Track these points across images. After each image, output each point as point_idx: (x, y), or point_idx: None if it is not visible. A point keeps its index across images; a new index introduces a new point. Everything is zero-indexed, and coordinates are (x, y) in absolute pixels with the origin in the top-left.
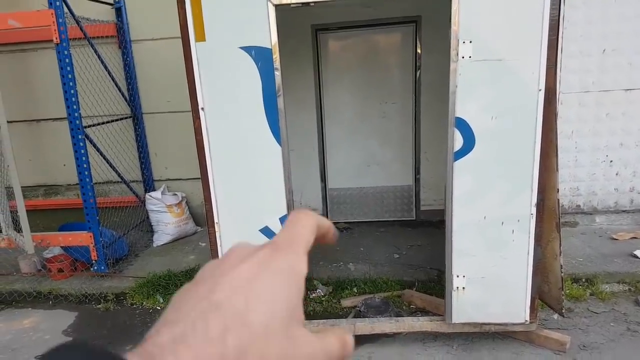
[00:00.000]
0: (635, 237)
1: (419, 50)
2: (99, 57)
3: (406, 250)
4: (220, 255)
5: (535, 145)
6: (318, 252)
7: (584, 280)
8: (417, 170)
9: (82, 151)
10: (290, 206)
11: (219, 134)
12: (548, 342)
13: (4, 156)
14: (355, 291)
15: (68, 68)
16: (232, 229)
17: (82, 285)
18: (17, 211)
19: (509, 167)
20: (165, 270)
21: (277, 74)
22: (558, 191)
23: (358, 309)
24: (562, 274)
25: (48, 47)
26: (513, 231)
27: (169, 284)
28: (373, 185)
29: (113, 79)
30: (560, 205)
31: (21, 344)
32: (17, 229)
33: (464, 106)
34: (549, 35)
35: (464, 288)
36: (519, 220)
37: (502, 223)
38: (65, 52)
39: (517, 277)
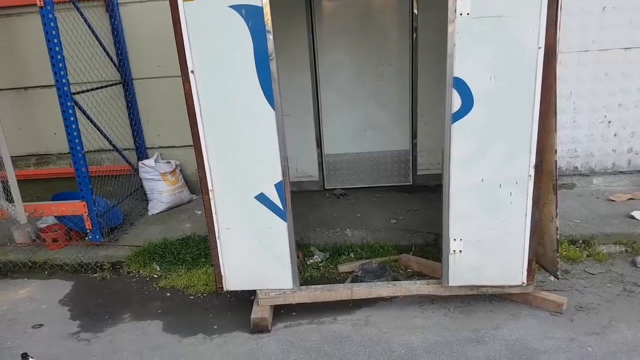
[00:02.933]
0: (632, 199)
1: (415, 11)
2: (85, 21)
3: (403, 215)
4: (215, 222)
5: (535, 105)
6: (314, 218)
7: (580, 241)
8: (414, 135)
9: (72, 119)
10: (285, 172)
11: (210, 98)
12: (545, 304)
13: None
14: (353, 257)
15: (53, 32)
16: (226, 196)
17: (77, 254)
18: (7, 181)
19: (507, 128)
20: (162, 239)
21: (270, 37)
22: (556, 152)
23: (355, 274)
24: (558, 236)
25: (33, 12)
26: (511, 193)
27: (165, 252)
28: (370, 151)
29: (101, 44)
30: (557, 166)
31: (18, 313)
32: (9, 199)
33: (462, 66)
34: None
35: (461, 251)
36: (517, 183)
37: (500, 185)
38: (50, 16)
39: (515, 239)
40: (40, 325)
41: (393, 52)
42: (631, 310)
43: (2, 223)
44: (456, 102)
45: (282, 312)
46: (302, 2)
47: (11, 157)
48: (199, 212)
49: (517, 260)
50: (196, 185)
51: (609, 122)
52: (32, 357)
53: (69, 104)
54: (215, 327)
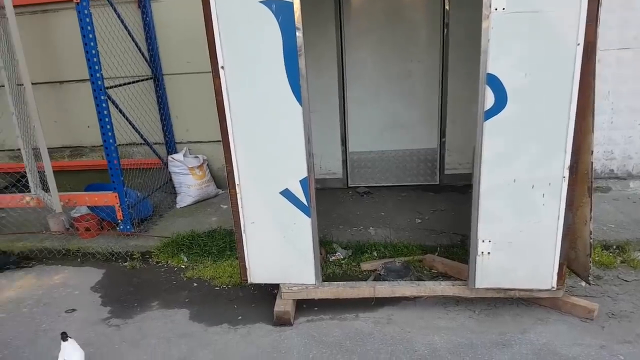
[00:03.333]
0: None
1: (447, 7)
2: (118, 16)
3: (429, 215)
4: (241, 216)
5: (571, 104)
6: (337, 216)
7: (614, 247)
8: (442, 133)
9: (105, 112)
10: (310, 169)
11: (239, 94)
12: (575, 309)
13: (30, 117)
14: (375, 255)
15: (89, 28)
16: (253, 190)
17: (108, 243)
18: (44, 171)
19: (542, 127)
20: (189, 231)
21: (299, 33)
22: (592, 154)
23: (378, 272)
24: (592, 241)
25: (68, 7)
26: (543, 195)
27: (193, 243)
28: (395, 149)
29: (133, 40)
30: (593, 168)
31: (52, 298)
32: (45, 188)
33: (496, 62)
34: None
35: (489, 253)
36: (550, 184)
37: (533, 186)
38: (86, 12)
39: (546, 242)
40: (73, 310)
41: (423, 49)
42: None
43: (38, 212)
44: (489, 100)
45: (304, 306)
46: None
47: (47, 148)
48: (225, 206)
49: (547, 264)
50: (222, 180)
51: None
52: (70, 337)
53: (102, 97)
54: (240, 317)
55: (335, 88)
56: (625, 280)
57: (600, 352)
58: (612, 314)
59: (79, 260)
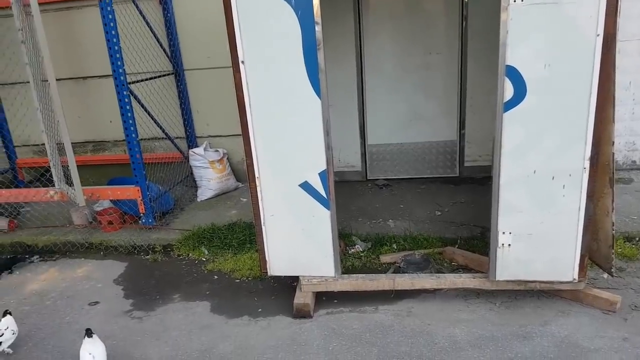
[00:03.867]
0: None
1: None
2: (140, 13)
3: (448, 208)
4: (261, 209)
5: (591, 95)
6: (356, 208)
7: (637, 239)
8: (462, 125)
9: (128, 107)
10: (329, 161)
11: (259, 88)
12: (597, 302)
13: (54, 112)
14: (395, 247)
15: (111, 24)
16: (272, 183)
17: (131, 237)
18: (68, 166)
19: (562, 119)
20: (210, 224)
21: (318, 28)
22: (613, 144)
23: (397, 265)
24: (614, 232)
25: (92, 5)
26: (564, 186)
27: (213, 236)
28: (415, 141)
29: (155, 35)
30: (614, 159)
31: (75, 291)
32: (69, 182)
33: (515, 53)
34: None
35: (509, 245)
36: (570, 175)
37: (553, 178)
38: (109, 9)
39: (567, 234)
40: (96, 302)
41: (441, 41)
42: None
43: (62, 205)
44: (508, 91)
45: (323, 299)
46: None
47: (70, 142)
48: (245, 200)
49: (568, 256)
50: (242, 173)
51: None
52: (93, 333)
53: (125, 93)
54: (260, 310)
55: (353, 80)
56: None
57: (623, 344)
58: (635, 306)
59: (101, 253)
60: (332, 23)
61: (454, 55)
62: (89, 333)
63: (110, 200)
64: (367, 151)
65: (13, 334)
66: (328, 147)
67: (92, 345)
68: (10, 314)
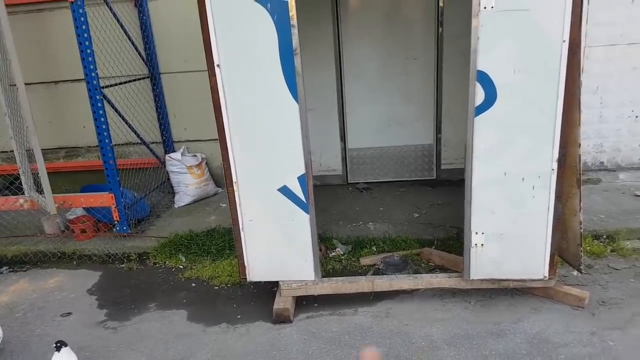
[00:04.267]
0: None
1: (441, 4)
2: (114, 15)
3: (426, 210)
4: (239, 214)
5: (558, 98)
6: (337, 212)
7: (604, 236)
8: (438, 129)
9: (101, 112)
10: (308, 165)
11: (235, 92)
12: (567, 298)
13: (23, 118)
14: (375, 250)
15: (84, 27)
16: (250, 188)
17: (105, 245)
18: (38, 173)
19: (530, 122)
20: (187, 231)
21: (295, 31)
22: (579, 146)
23: (377, 267)
24: (582, 231)
25: (63, 6)
26: (533, 187)
27: (191, 243)
28: (394, 145)
29: (130, 38)
30: (581, 160)
31: (47, 302)
32: (39, 190)
33: (485, 59)
34: None
35: (482, 245)
36: (539, 176)
37: (523, 179)
38: (81, 11)
39: (537, 233)
40: (69, 313)
41: (418, 46)
42: None
43: (32, 214)
44: (479, 96)
45: (304, 303)
46: None
47: (41, 149)
48: (224, 205)
49: (539, 254)
50: (221, 178)
51: (637, 116)
52: (65, 345)
53: (98, 97)
54: (239, 316)
55: (333, 85)
56: (615, 269)
57: (591, 338)
58: (603, 302)
59: (74, 262)
60: (311, 27)
61: (430, 61)
62: (57, 347)
63: (83, 208)
64: (347, 155)
65: None
66: (307, 151)
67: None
68: None
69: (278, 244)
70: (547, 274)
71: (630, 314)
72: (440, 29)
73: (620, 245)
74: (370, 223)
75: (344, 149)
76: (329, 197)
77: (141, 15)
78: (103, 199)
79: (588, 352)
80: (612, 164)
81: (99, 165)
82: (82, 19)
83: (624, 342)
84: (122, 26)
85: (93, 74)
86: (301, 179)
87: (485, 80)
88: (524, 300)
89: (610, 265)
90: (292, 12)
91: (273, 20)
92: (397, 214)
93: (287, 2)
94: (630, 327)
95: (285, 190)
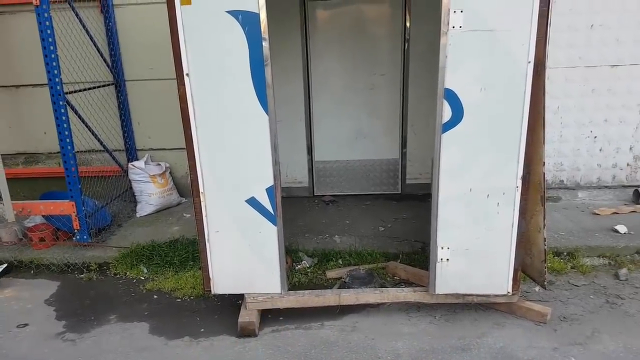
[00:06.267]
0: (616, 213)
1: (407, 24)
2: (80, 21)
3: (391, 223)
4: (205, 225)
5: (523, 117)
6: (303, 224)
7: (565, 254)
8: (404, 144)
9: (64, 118)
10: (277, 177)
11: (204, 102)
12: (529, 314)
13: None
14: (341, 263)
15: (48, 31)
16: (217, 198)
17: (64, 254)
18: None
19: (496, 140)
20: (149, 241)
21: (265, 43)
22: (544, 164)
23: (343, 280)
24: (546, 247)
25: (27, 10)
26: (498, 204)
27: (153, 254)
28: (360, 158)
29: (95, 45)
30: (545, 179)
31: (1, 312)
32: None
33: (453, 77)
34: (540, 6)
35: (448, 259)
36: (504, 193)
37: (488, 196)
38: (46, 15)
39: (501, 249)
40: (25, 324)
41: (385, 62)
42: (613, 321)
43: None
44: (447, 113)
45: (269, 316)
46: (297, 11)
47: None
48: (188, 215)
49: (503, 270)
50: (185, 188)
51: (595, 137)
52: None
53: (61, 103)
54: (202, 330)
55: (301, 98)
56: (575, 285)
57: (553, 354)
58: (564, 317)
59: (32, 272)
60: (281, 40)
61: (396, 77)
62: None
63: (43, 216)
64: (314, 167)
65: None
66: (275, 163)
67: None
68: None
69: (244, 256)
70: (510, 290)
71: (591, 329)
72: (406, 46)
73: (580, 262)
74: (337, 236)
75: (311, 161)
76: (295, 209)
77: (107, 21)
78: (63, 207)
79: None
80: (571, 182)
81: (60, 172)
82: (47, 23)
83: (585, 358)
84: (87, 32)
85: (57, 79)
86: (269, 191)
87: (452, 98)
88: (487, 315)
89: (570, 281)
90: (263, 24)
91: (244, 31)
92: (363, 227)
93: (259, 14)
94: (591, 343)
95: (253, 202)
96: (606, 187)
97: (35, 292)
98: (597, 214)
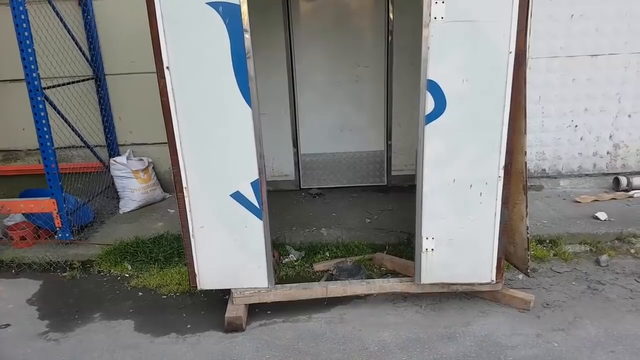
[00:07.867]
0: (597, 200)
1: (390, 15)
2: (57, 14)
3: (377, 215)
4: (189, 220)
5: (505, 107)
6: (290, 217)
7: (547, 241)
8: (389, 136)
9: (42, 114)
10: (262, 170)
11: (186, 95)
12: (513, 301)
13: None
14: (328, 255)
15: (24, 25)
16: (202, 193)
17: (46, 253)
18: None
19: (478, 130)
20: (133, 237)
21: (247, 35)
22: (525, 154)
23: (330, 272)
24: (528, 235)
25: (2, 3)
26: (481, 194)
27: (137, 251)
28: (346, 151)
29: (73, 38)
30: (527, 168)
31: None
32: None
33: (436, 68)
34: None
35: (433, 250)
36: (487, 183)
37: (471, 186)
38: (21, 8)
39: (485, 238)
40: (7, 325)
41: (369, 54)
42: (595, 307)
43: None
44: (430, 104)
45: (256, 310)
46: (279, 2)
47: None
48: (172, 211)
49: (487, 259)
50: (169, 183)
51: (576, 126)
52: None
53: (39, 98)
54: (189, 326)
55: (285, 91)
56: (558, 272)
57: (537, 340)
58: (547, 304)
59: (13, 271)
60: (263, 32)
61: (380, 69)
62: None
63: (23, 214)
64: (300, 160)
65: None
66: (260, 156)
67: None
68: None
69: (230, 251)
70: (494, 278)
71: (573, 315)
72: (390, 38)
73: (562, 249)
74: (324, 229)
75: (297, 155)
76: (281, 202)
77: (85, 14)
78: (44, 205)
79: (534, 354)
80: (553, 171)
81: (40, 169)
82: (23, 16)
83: (568, 343)
84: (65, 26)
85: (34, 75)
86: (254, 185)
87: (435, 89)
88: (472, 303)
89: (553, 268)
90: (245, 15)
91: (225, 23)
92: (349, 219)
93: (240, 5)
94: (573, 329)
95: (238, 196)
96: (587, 175)
97: (16, 291)
98: (579, 202)
